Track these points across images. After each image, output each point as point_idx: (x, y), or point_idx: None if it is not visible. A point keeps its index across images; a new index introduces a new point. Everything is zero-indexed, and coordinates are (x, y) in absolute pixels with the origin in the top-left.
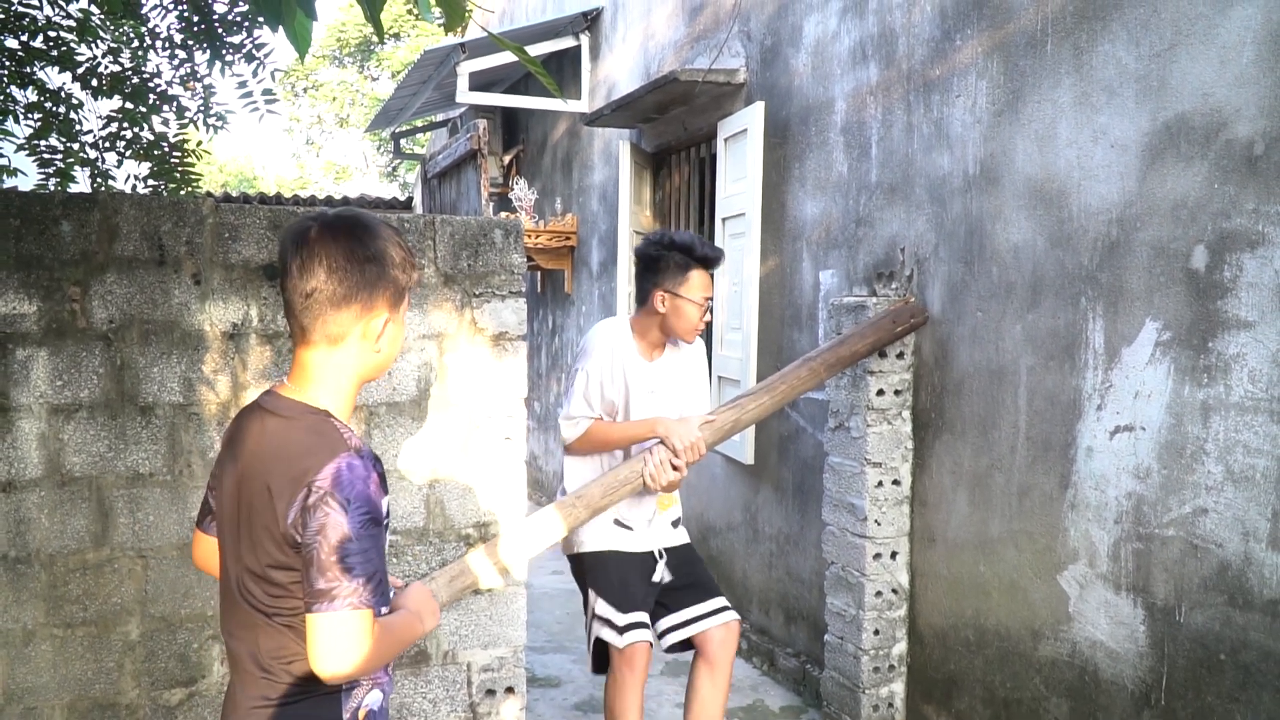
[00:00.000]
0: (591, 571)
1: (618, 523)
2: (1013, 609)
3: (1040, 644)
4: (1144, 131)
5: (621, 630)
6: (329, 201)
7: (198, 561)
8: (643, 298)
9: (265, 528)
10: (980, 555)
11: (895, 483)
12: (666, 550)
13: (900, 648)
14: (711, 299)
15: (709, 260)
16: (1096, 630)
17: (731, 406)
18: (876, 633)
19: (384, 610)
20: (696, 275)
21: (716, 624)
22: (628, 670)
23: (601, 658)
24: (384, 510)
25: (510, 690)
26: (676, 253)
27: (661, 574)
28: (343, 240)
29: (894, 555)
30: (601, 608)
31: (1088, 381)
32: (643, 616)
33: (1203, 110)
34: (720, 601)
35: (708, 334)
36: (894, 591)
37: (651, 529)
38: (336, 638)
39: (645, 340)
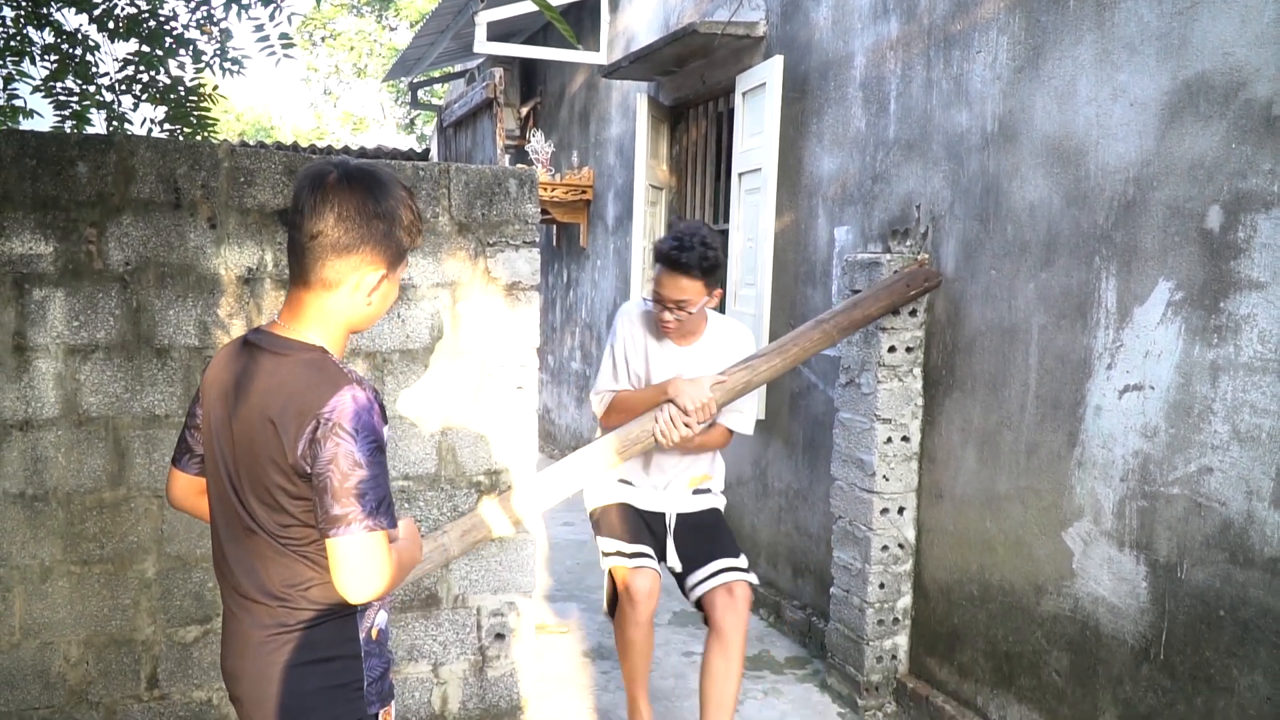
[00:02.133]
0: (599, 522)
1: (622, 481)
2: (1017, 564)
3: (1043, 599)
4: (1164, 90)
5: (630, 556)
6: (346, 151)
7: (174, 499)
8: (710, 288)
9: (271, 459)
10: (987, 511)
11: (904, 439)
12: (680, 515)
13: (905, 601)
14: (673, 301)
15: (663, 257)
16: (1099, 586)
17: (743, 367)
18: (882, 586)
19: (394, 532)
20: (659, 271)
21: (716, 585)
22: (631, 605)
23: (615, 600)
24: (385, 439)
25: (518, 635)
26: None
27: (673, 536)
28: (357, 191)
29: (901, 510)
30: (608, 544)
31: (1099, 341)
32: (644, 548)
33: (1222, 69)
34: (724, 563)
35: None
36: (900, 546)
37: (667, 493)
38: (358, 560)
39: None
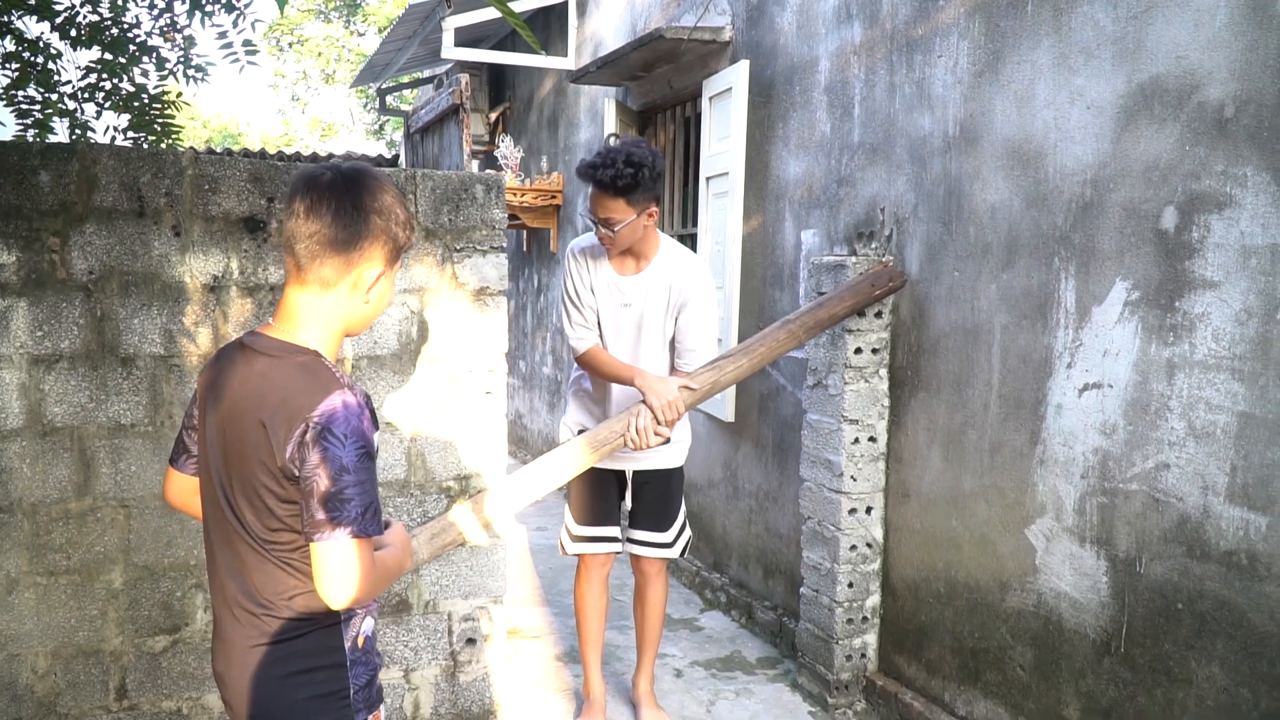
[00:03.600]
0: (573, 484)
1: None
2: (982, 562)
3: (1008, 595)
4: (1119, 93)
5: (574, 540)
6: (314, 158)
7: (171, 499)
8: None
9: (260, 462)
10: (952, 510)
11: (871, 439)
12: (638, 473)
13: (873, 600)
14: (602, 219)
15: (581, 173)
16: (1061, 581)
17: (710, 368)
18: (850, 585)
19: (380, 539)
20: (591, 190)
21: (644, 555)
22: (583, 574)
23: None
24: (375, 445)
25: (491, 639)
26: (659, 170)
27: (627, 496)
28: (353, 189)
29: (869, 510)
30: (566, 515)
31: (1059, 340)
32: (599, 530)
33: (1176, 73)
34: (658, 537)
35: None
36: (868, 545)
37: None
38: (340, 566)
39: (623, 254)
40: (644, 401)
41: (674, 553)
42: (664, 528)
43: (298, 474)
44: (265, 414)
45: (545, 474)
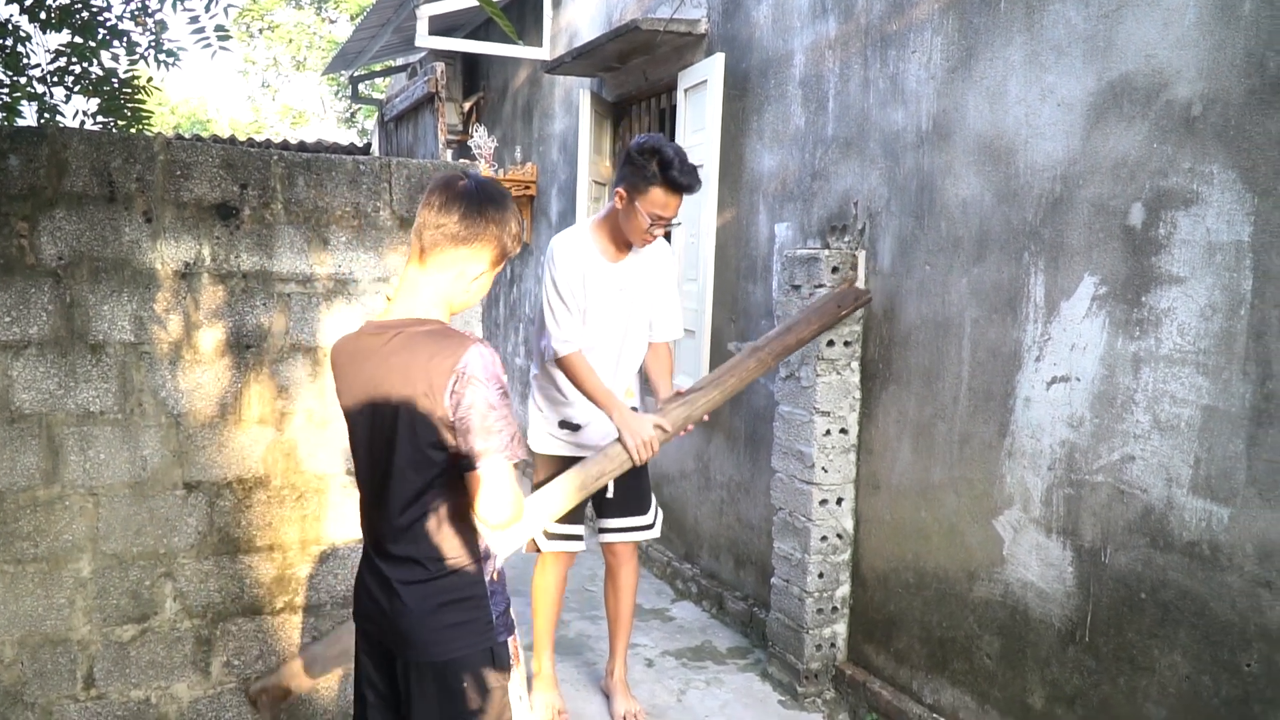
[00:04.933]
0: (539, 470)
1: (564, 424)
2: (951, 552)
3: (975, 585)
4: (1089, 91)
5: (550, 538)
6: (285, 146)
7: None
8: (612, 190)
9: (422, 415)
10: (922, 501)
11: (843, 431)
12: None
13: (843, 590)
14: (669, 219)
15: (678, 186)
16: (1028, 572)
17: (683, 403)
18: (821, 576)
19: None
20: (659, 192)
21: (619, 540)
22: (550, 568)
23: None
24: (506, 384)
25: None
26: (654, 164)
27: (609, 489)
28: (483, 199)
29: (840, 501)
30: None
31: (1028, 334)
32: (573, 529)
33: (1145, 71)
34: (632, 521)
35: None
36: (839, 536)
37: (602, 437)
38: (496, 487)
39: (608, 240)
40: (619, 440)
41: (655, 532)
42: (644, 510)
43: (453, 417)
44: (419, 374)
45: (537, 513)
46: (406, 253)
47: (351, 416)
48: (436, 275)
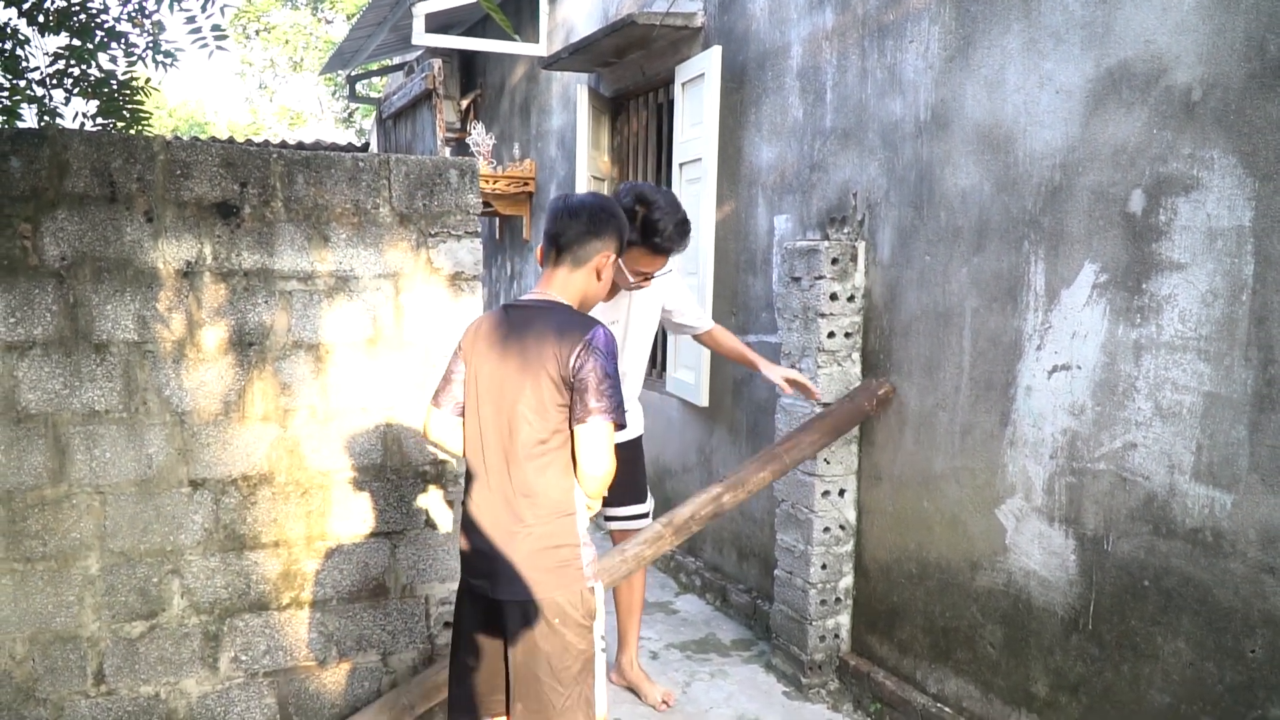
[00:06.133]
0: None
1: None
2: (953, 542)
3: (978, 575)
4: (1088, 78)
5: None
6: (284, 146)
7: (431, 435)
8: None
9: (548, 374)
10: (924, 491)
11: None
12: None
13: (846, 581)
14: (654, 273)
15: (661, 250)
16: (1030, 560)
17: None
18: (824, 567)
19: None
20: (640, 252)
21: (627, 528)
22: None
23: None
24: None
25: None
26: (637, 225)
27: None
28: (601, 205)
29: (842, 493)
30: None
31: (1028, 322)
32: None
33: (1144, 57)
34: (636, 509)
35: None
36: (841, 527)
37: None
38: (600, 441)
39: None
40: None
41: (651, 517)
42: (642, 499)
43: (573, 379)
44: (552, 340)
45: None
46: (407, 248)
47: (481, 379)
48: (570, 271)
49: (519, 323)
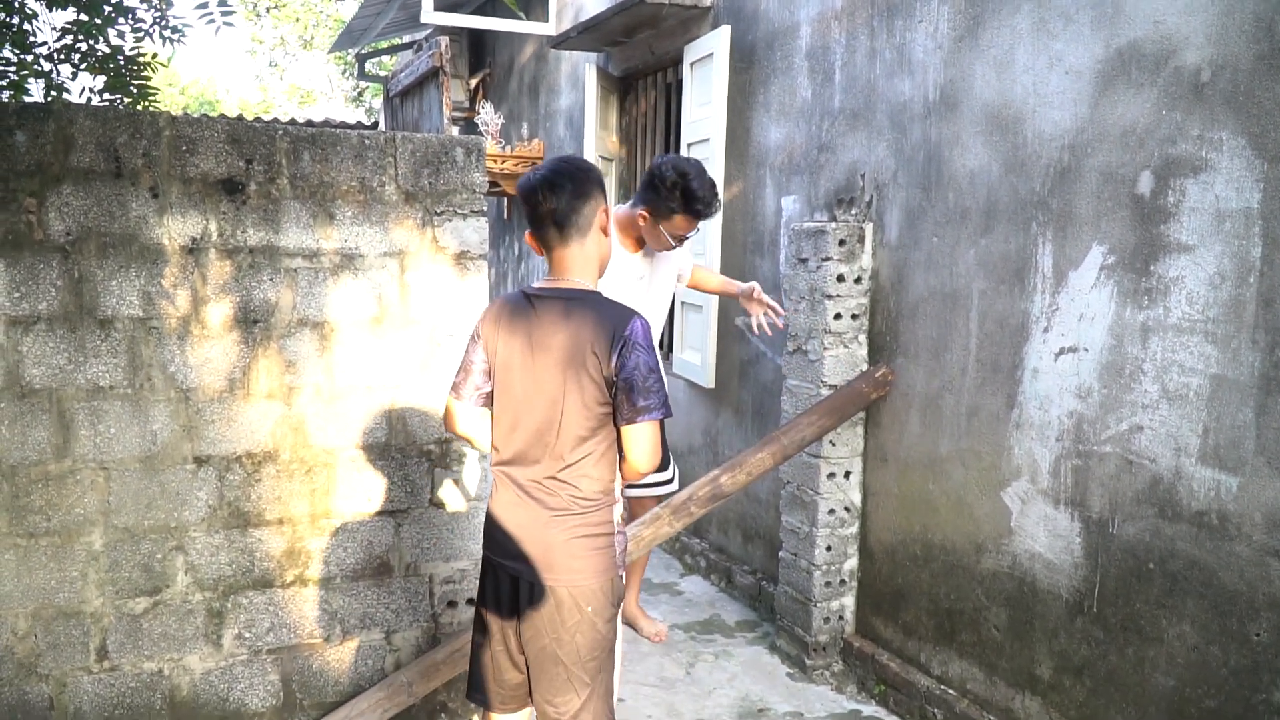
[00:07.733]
0: None
1: None
2: (958, 524)
3: (983, 557)
4: (1098, 58)
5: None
6: (293, 124)
7: (460, 428)
8: (634, 201)
9: (589, 374)
10: (929, 474)
11: None
12: None
13: (851, 563)
14: (689, 235)
15: (700, 216)
16: (1035, 543)
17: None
18: (829, 549)
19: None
20: (682, 219)
21: (646, 495)
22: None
23: None
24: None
25: (471, 601)
26: (678, 195)
27: None
28: (574, 166)
29: (847, 475)
30: None
31: (1035, 304)
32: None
33: (1154, 37)
34: (658, 476)
35: None
36: (846, 509)
37: None
38: (650, 440)
39: (626, 235)
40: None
41: (675, 486)
42: (665, 467)
43: (617, 377)
44: (588, 337)
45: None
46: (412, 226)
47: (513, 371)
48: (579, 243)
49: (548, 315)
